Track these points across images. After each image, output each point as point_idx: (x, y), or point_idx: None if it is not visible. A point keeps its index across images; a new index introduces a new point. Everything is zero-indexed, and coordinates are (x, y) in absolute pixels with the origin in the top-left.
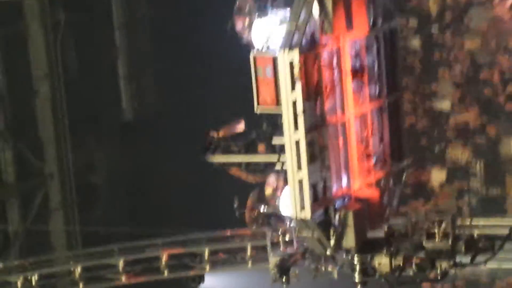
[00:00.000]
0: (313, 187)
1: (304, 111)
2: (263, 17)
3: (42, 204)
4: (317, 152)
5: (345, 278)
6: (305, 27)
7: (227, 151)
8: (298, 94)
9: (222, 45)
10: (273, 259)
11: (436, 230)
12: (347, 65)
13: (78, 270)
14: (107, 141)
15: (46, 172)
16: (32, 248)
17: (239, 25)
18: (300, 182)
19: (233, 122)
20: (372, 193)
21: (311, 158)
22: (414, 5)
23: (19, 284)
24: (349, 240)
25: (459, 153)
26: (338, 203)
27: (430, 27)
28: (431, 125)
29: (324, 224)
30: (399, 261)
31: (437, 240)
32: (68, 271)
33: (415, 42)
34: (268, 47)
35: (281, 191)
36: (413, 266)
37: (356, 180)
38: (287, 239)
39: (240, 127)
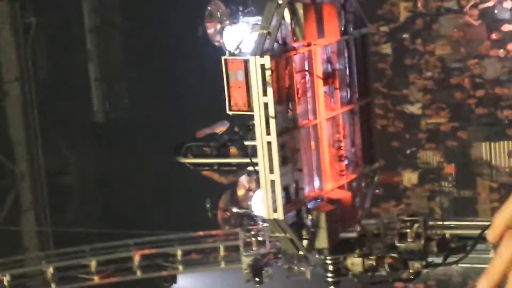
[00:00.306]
0: (285, 189)
1: (275, 115)
2: (235, 23)
3: (14, 204)
4: (289, 154)
5: (318, 278)
6: (277, 32)
7: (199, 153)
8: (269, 98)
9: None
10: (246, 259)
11: (408, 231)
12: (319, 69)
13: (51, 270)
14: (78, 142)
15: (17, 173)
16: (3, 249)
17: (210, 30)
18: (272, 184)
19: (218, 122)
20: (345, 195)
21: (283, 161)
22: (385, 12)
23: None
24: (322, 241)
25: (431, 156)
26: (310, 205)
27: (401, 33)
28: (403, 128)
29: (297, 225)
30: (371, 261)
31: (409, 240)
32: (40, 271)
33: (386, 48)
34: (240, 51)
35: (254, 192)
36: (386, 266)
37: (329, 182)
38: (260, 239)
39: (222, 128)
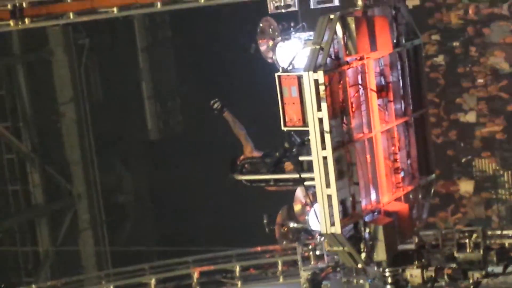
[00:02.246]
0: (342, 202)
1: (330, 130)
2: (287, 39)
3: (72, 224)
4: (345, 168)
5: None
6: (329, 48)
7: (254, 170)
8: (324, 113)
9: (247, 65)
10: (304, 274)
11: (467, 241)
12: (372, 83)
13: None
14: (133, 161)
15: (74, 193)
16: (62, 269)
17: (263, 47)
18: (329, 198)
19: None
20: (402, 207)
21: (339, 175)
22: (436, 21)
23: None
24: (380, 253)
25: (486, 164)
26: (368, 218)
27: (452, 42)
28: (458, 137)
29: (355, 239)
30: (431, 272)
31: (468, 250)
32: None
33: (439, 57)
34: (293, 67)
35: (310, 207)
36: (445, 277)
37: (385, 194)
38: (317, 253)
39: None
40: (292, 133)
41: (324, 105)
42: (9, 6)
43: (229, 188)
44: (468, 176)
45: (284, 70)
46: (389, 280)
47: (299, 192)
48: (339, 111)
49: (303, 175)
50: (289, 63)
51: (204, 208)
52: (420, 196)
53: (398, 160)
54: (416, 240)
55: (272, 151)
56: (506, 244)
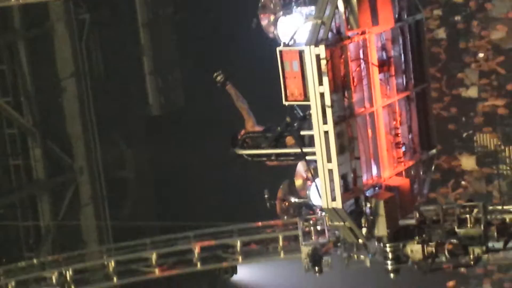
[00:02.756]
0: (343, 177)
1: (332, 104)
2: (288, 14)
3: (73, 199)
4: (346, 143)
5: (377, 266)
6: (331, 22)
7: (256, 145)
8: (325, 87)
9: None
10: (305, 249)
11: (467, 216)
12: (374, 57)
13: (112, 264)
14: (134, 136)
15: (76, 168)
16: (64, 243)
17: (264, 21)
18: (330, 173)
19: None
20: (403, 182)
21: (340, 149)
22: None
23: (53, 279)
24: (381, 229)
25: (488, 139)
26: (369, 193)
27: (454, 17)
28: (459, 112)
29: (356, 214)
30: (431, 247)
31: (469, 226)
32: (101, 265)
33: (440, 31)
34: (294, 42)
35: (312, 182)
36: (446, 252)
37: (386, 169)
38: (318, 228)
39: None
40: (295, 107)
41: (325, 80)
42: None
43: (230, 163)
44: (469, 151)
45: (286, 45)
46: (390, 255)
47: (300, 166)
48: (341, 85)
49: (304, 150)
50: (290, 38)
51: (205, 183)
52: (421, 171)
53: (399, 135)
54: (417, 215)
55: (274, 125)
56: (507, 220)
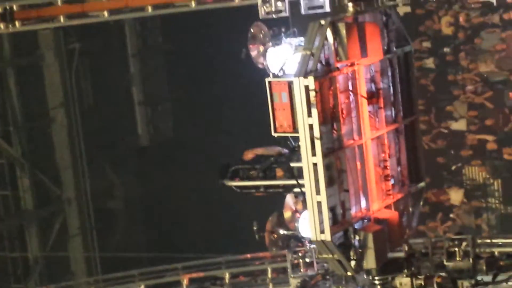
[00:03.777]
0: (332, 210)
1: (321, 136)
2: (278, 45)
3: (61, 230)
4: (335, 175)
5: None
6: (320, 53)
7: (245, 176)
8: (314, 119)
9: (237, 70)
10: (294, 281)
11: (456, 249)
12: (363, 89)
13: None
14: (123, 166)
15: (64, 198)
16: (52, 275)
17: (253, 52)
18: (319, 205)
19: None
20: (392, 214)
21: (329, 182)
22: (426, 28)
23: None
24: (370, 261)
25: (476, 172)
26: (357, 225)
27: (443, 49)
28: (448, 145)
29: (344, 246)
30: (420, 280)
31: (458, 259)
32: None
33: (429, 63)
34: (283, 73)
35: (300, 214)
36: (435, 285)
37: (375, 202)
38: (307, 261)
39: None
40: (288, 138)
41: (314, 111)
42: None
43: (219, 194)
44: (458, 185)
45: (275, 76)
46: None
47: (289, 199)
48: (330, 117)
49: (293, 182)
50: (279, 69)
51: (193, 214)
52: (410, 203)
53: (388, 167)
54: (406, 248)
55: (263, 157)
56: (496, 253)
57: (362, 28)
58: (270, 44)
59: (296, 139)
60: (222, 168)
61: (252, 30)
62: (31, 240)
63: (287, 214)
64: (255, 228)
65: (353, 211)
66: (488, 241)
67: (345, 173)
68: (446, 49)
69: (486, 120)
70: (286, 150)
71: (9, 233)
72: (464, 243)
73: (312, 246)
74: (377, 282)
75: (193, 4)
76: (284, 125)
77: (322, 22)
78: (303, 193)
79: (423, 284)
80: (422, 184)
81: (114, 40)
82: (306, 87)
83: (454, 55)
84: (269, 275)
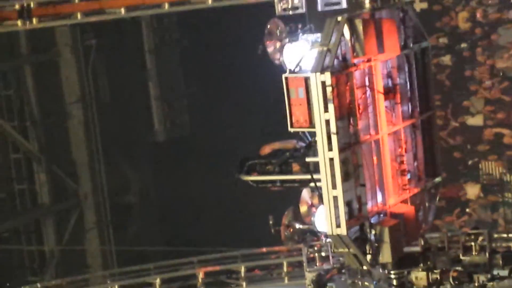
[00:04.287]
0: (348, 204)
1: (337, 131)
2: (294, 41)
3: (77, 224)
4: (351, 170)
5: None
6: (337, 49)
7: (262, 171)
8: (331, 114)
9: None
10: (309, 275)
11: (472, 244)
12: (379, 85)
13: None
14: (140, 161)
15: (81, 193)
16: (68, 268)
17: (270, 48)
18: (335, 199)
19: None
20: (408, 209)
21: (346, 176)
22: (443, 24)
23: None
24: (386, 255)
25: (493, 167)
26: (373, 220)
27: (460, 45)
28: (464, 140)
29: (360, 240)
30: (436, 275)
31: (474, 253)
32: None
33: (446, 60)
34: (300, 68)
35: (316, 208)
36: (451, 279)
37: (391, 196)
38: (323, 255)
39: (290, 145)
40: (305, 133)
41: (331, 107)
42: (17, 6)
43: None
44: (474, 180)
45: (291, 72)
46: (394, 282)
47: (305, 193)
48: (346, 112)
49: (309, 177)
50: (296, 65)
51: (210, 208)
52: (426, 198)
53: (404, 162)
54: (422, 242)
55: (280, 151)
56: None
57: (379, 24)
58: (287, 40)
59: (313, 134)
60: (239, 163)
61: (268, 27)
62: (47, 234)
63: (303, 209)
64: (271, 222)
65: (369, 205)
66: (505, 235)
67: (361, 168)
68: (463, 45)
69: (503, 114)
70: (302, 144)
71: (26, 227)
72: (480, 238)
73: (328, 240)
74: (392, 276)
75: (209, 0)
76: (300, 120)
77: (339, 18)
78: (319, 188)
79: (439, 278)
80: (438, 179)
81: (130, 37)
82: (323, 83)
83: (471, 51)
84: (285, 269)
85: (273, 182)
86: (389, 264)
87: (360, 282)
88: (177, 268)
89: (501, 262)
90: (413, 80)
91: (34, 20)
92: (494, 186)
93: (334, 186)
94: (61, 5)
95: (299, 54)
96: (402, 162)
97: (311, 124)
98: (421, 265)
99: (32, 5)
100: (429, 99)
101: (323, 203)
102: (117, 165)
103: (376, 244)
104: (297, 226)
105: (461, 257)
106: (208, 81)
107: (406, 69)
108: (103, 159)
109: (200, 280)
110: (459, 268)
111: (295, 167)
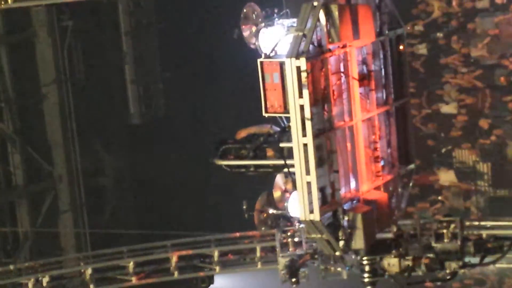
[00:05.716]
0: (322, 190)
1: (311, 117)
2: (270, 26)
3: (52, 206)
4: (325, 156)
5: (354, 279)
6: (312, 34)
7: (236, 155)
8: (305, 100)
9: (229, 50)
10: (282, 260)
11: (444, 231)
12: (354, 71)
13: (89, 271)
14: (115, 144)
15: (55, 174)
16: (41, 250)
17: (246, 32)
18: (309, 185)
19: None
20: (381, 196)
21: (319, 162)
22: (419, 11)
23: (30, 285)
24: (358, 242)
25: (466, 155)
26: (346, 206)
27: (435, 33)
28: (438, 128)
29: (333, 226)
30: (408, 261)
31: (446, 240)
32: (78, 272)
33: (421, 48)
34: (275, 53)
35: (290, 194)
36: (422, 266)
37: (365, 183)
38: (296, 240)
39: (264, 129)
40: (281, 118)
41: (305, 92)
42: None
43: (210, 173)
44: (447, 167)
45: (267, 56)
46: (367, 268)
47: (279, 178)
48: (321, 98)
49: (283, 162)
50: (271, 49)
51: (184, 192)
52: (399, 185)
53: (378, 149)
54: (395, 229)
55: (255, 136)
56: (484, 235)
57: (354, 10)
58: (263, 24)
59: (287, 119)
60: (213, 147)
61: (244, 11)
62: (21, 216)
63: (276, 194)
64: (244, 207)
65: (342, 191)
66: (476, 223)
67: (335, 154)
68: (438, 34)
69: (477, 103)
70: (276, 128)
71: (0, 208)
72: (452, 225)
73: (301, 225)
74: (365, 262)
75: None
76: (275, 106)
77: (315, 3)
78: (293, 173)
79: (411, 265)
80: (411, 166)
81: (107, 19)
82: (298, 68)
83: (446, 39)
84: (258, 254)
85: (247, 167)
86: (361, 251)
87: (332, 268)
88: (151, 251)
89: (472, 249)
90: (388, 67)
91: (10, 0)
92: (467, 174)
93: (307, 172)
94: None
95: (274, 39)
96: (375, 149)
97: (286, 110)
98: (393, 251)
99: None
100: (404, 86)
101: (296, 189)
102: (92, 147)
103: (349, 230)
104: (271, 211)
105: (433, 244)
106: (184, 65)
107: (381, 55)
108: (78, 141)
109: (173, 264)
110: (431, 255)
111: (269, 152)
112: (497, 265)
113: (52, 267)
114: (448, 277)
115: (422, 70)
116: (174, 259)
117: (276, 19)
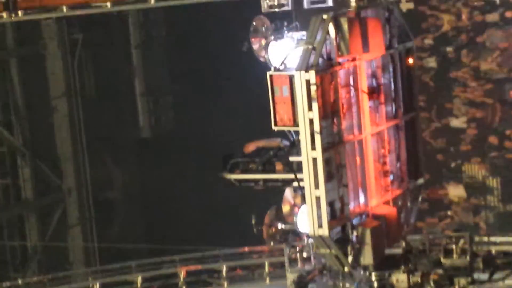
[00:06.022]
0: (331, 204)
1: (321, 130)
2: (280, 39)
3: (61, 220)
4: (334, 170)
5: None
6: (321, 48)
7: (245, 169)
8: (315, 113)
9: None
10: (291, 276)
11: (454, 247)
12: (364, 84)
13: (97, 286)
14: (124, 158)
15: (64, 188)
16: (50, 264)
17: (255, 45)
18: (318, 200)
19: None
20: (390, 211)
21: (328, 176)
22: (429, 25)
23: None
24: (367, 257)
25: (476, 170)
26: (355, 221)
27: (445, 47)
28: (447, 142)
29: (342, 241)
30: (417, 277)
31: (455, 256)
32: (86, 287)
33: (431, 61)
34: (285, 66)
35: (299, 208)
36: (431, 282)
37: (374, 197)
38: (305, 255)
39: (274, 143)
40: (290, 132)
41: (315, 106)
42: None
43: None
44: (457, 182)
45: (276, 69)
46: (375, 284)
47: (288, 192)
48: (330, 112)
49: (292, 176)
50: (281, 63)
51: (193, 206)
52: (408, 200)
53: (387, 163)
54: (403, 244)
55: (264, 150)
56: (493, 251)
57: (364, 23)
58: (272, 37)
59: (296, 133)
60: (222, 161)
61: (254, 23)
62: (30, 230)
63: (285, 208)
64: (253, 221)
65: (351, 206)
66: (486, 239)
67: (344, 168)
68: (448, 48)
69: (486, 116)
70: (286, 142)
71: (9, 222)
72: (461, 241)
73: (310, 240)
74: (373, 278)
75: None
76: (284, 119)
77: (325, 16)
78: (302, 188)
79: (419, 281)
80: (421, 180)
81: (117, 32)
82: (307, 81)
83: (456, 53)
84: (266, 269)
85: (255, 181)
86: (370, 266)
87: (341, 284)
88: (159, 266)
89: (481, 265)
90: (397, 80)
91: (20, 13)
92: (477, 189)
93: (316, 186)
94: None
95: (284, 52)
96: (385, 163)
97: (295, 123)
98: (402, 267)
99: None
100: (413, 99)
101: (305, 203)
102: (101, 161)
103: (358, 246)
104: (279, 226)
105: (442, 260)
106: (193, 78)
107: (391, 69)
108: (88, 155)
109: (181, 279)
110: (440, 271)
111: (278, 166)
112: (506, 282)
113: (61, 282)
114: None
115: (432, 84)
116: (182, 274)
117: (286, 32)
